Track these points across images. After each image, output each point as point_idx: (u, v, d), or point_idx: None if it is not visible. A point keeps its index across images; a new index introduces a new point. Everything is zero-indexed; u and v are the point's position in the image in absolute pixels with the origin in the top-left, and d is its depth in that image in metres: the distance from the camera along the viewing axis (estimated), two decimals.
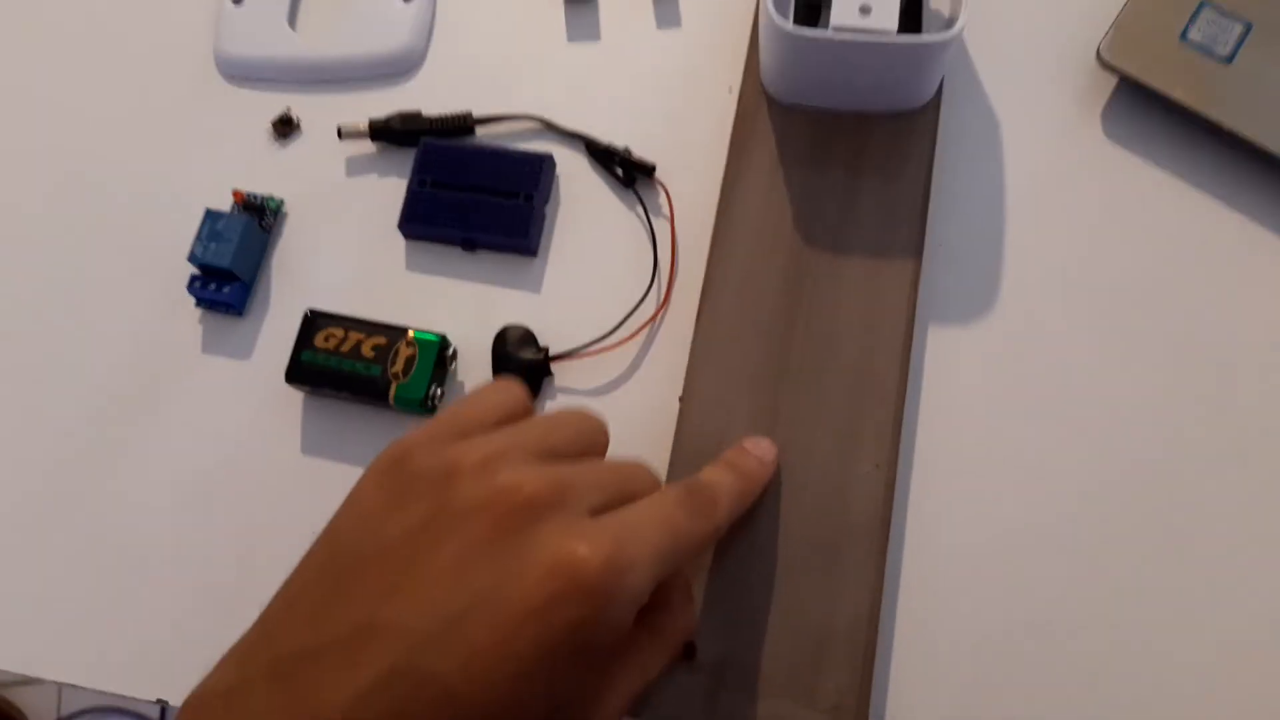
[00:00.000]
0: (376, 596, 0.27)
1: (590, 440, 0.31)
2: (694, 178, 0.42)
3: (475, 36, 0.46)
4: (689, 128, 0.43)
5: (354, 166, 0.45)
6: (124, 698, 0.39)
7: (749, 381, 0.38)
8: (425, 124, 0.44)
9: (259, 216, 0.43)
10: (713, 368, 0.39)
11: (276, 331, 0.43)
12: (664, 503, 0.30)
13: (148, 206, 0.45)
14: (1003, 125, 0.42)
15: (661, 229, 0.42)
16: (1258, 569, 0.36)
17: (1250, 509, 0.37)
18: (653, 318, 0.41)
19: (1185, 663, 0.35)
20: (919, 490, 0.38)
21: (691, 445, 0.38)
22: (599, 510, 0.28)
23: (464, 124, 0.44)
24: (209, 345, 0.43)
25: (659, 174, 0.42)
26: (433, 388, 0.39)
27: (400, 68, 0.46)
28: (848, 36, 0.37)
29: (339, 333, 0.40)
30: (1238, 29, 0.41)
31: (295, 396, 0.41)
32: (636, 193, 0.43)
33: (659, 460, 0.38)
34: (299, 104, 0.46)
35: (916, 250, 0.39)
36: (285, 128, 0.45)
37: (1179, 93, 0.40)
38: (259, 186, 0.44)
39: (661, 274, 0.41)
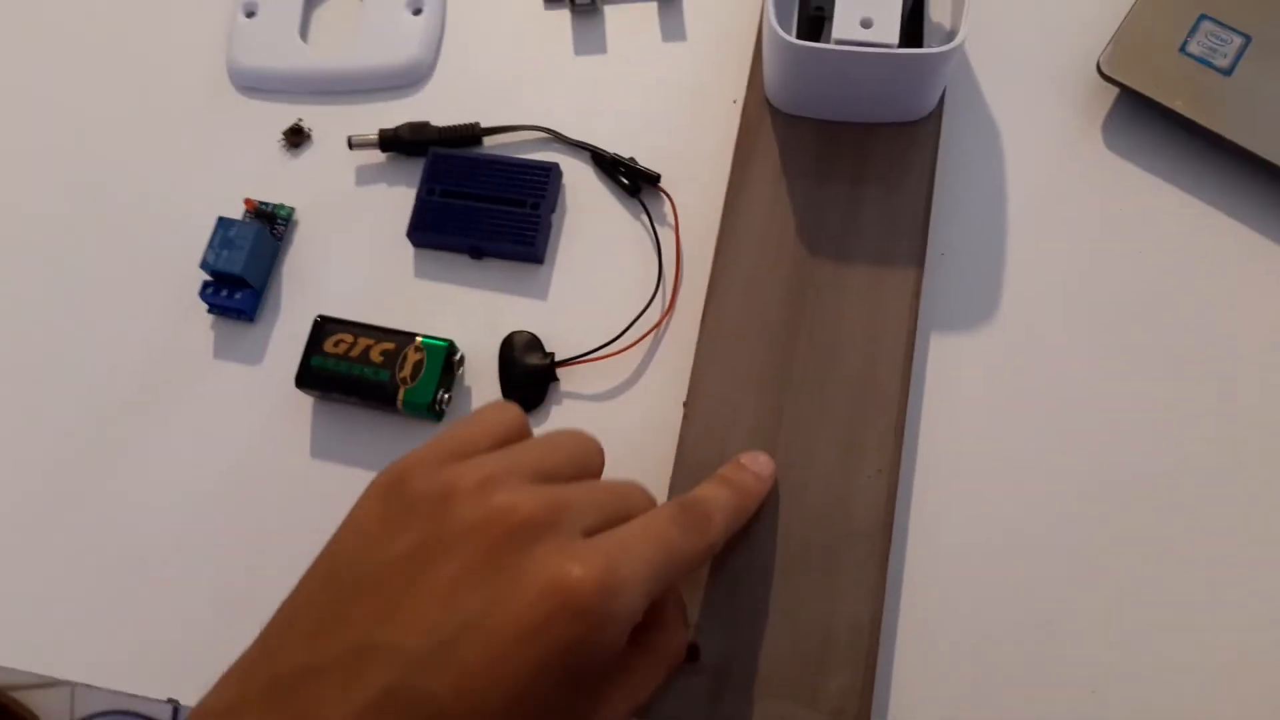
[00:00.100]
0: (373, 617, 0.27)
1: (586, 462, 0.32)
2: (699, 187, 0.43)
3: (483, 49, 0.47)
4: (694, 138, 0.44)
5: (364, 176, 0.45)
6: (137, 698, 0.39)
7: (752, 388, 0.39)
8: (434, 134, 0.44)
9: (270, 224, 0.44)
10: (716, 374, 0.39)
11: (287, 337, 0.43)
12: (657, 521, 0.30)
13: (161, 214, 0.46)
14: (1004, 136, 0.43)
15: (666, 237, 0.43)
16: (1256, 576, 0.36)
17: (1248, 513, 0.37)
18: (657, 325, 0.41)
19: (1185, 667, 0.36)
20: (921, 496, 0.38)
21: (695, 450, 0.38)
22: (594, 531, 0.28)
23: (472, 134, 0.44)
24: (220, 351, 0.43)
25: (664, 183, 0.43)
26: (440, 393, 0.40)
27: (410, 79, 0.47)
28: (849, 49, 0.38)
29: (348, 338, 0.41)
30: (1237, 41, 0.41)
31: (305, 401, 0.42)
32: (642, 202, 0.43)
33: (663, 465, 0.38)
34: (310, 114, 0.47)
35: (918, 260, 0.40)
36: (296, 138, 0.46)
37: (1179, 104, 0.41)
38: (270, 195, 0.45)
39: (666, 282, 0.42)
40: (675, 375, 0.40)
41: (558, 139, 0.45)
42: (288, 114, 0.47)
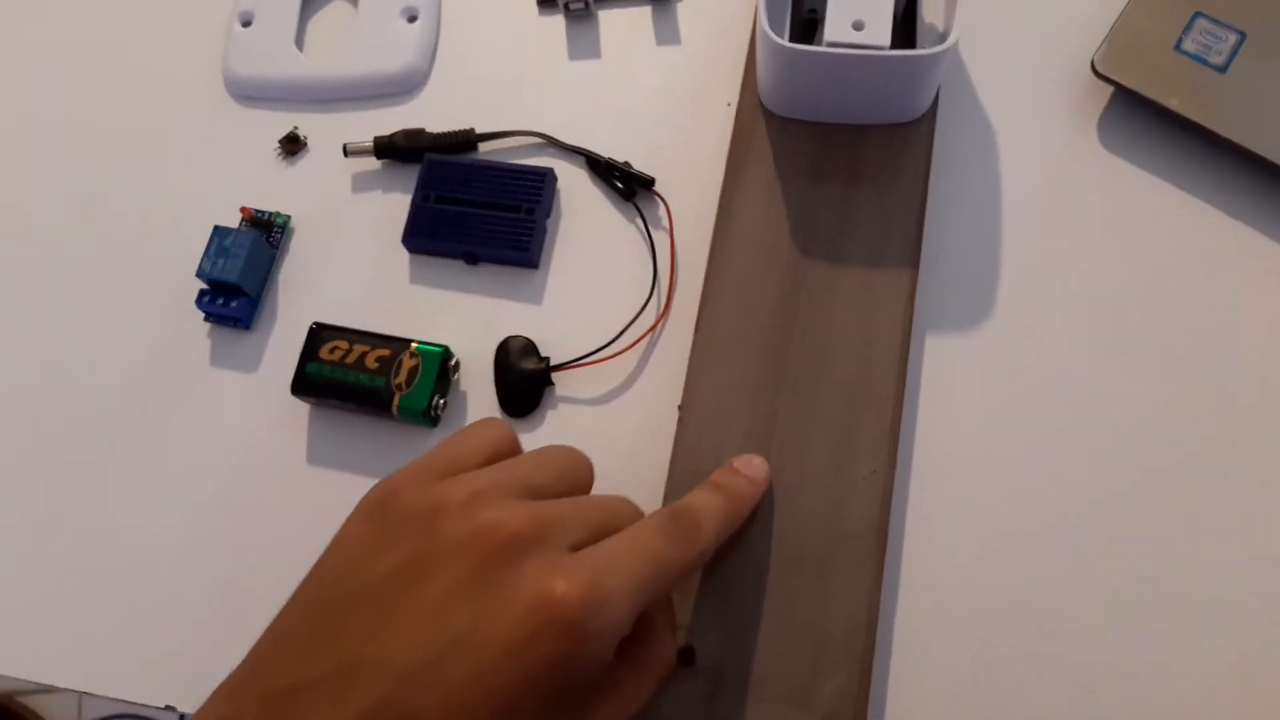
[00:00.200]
0: (362, 634, 0.27)
1: (574, 477, 0.32)
2: (693, 191, 0.43)
3: (478, 55, 0.47)
4: (688, 142, 0.44)
5: (359, 183, 0.46)
6: (133, 704, 0.39)
7: (747, 391, 0.39)
8: (429, 141, 0.44)
9: (266, 232, 0.44)
10: (711, 377, 0.39)
11: (283, 344, 0.43)
12: (644, 532, 0.30)
13: (158, 223, 0.46)
14: (998, 136, 0.43)
15: (661, 241, 0.43)
16: (1255, 577, 0.36)
17: (1245, 512, 0.37)
18: (652, 328, 0.41)
19: (1183, 668, 0.35)
20: (917, 498, 0.38)
21: (690, 454, 0.38)
22: (581, 545, 0.29)
23: (467, 140, 0.44)
24: (217, 358, 0.44)
25: (658, 187, 0.43)
26: (435, 398, 0.40)
27: (405, 86, 0.47)
28: (841, 52, 0.38)
29: (344, 345, 0.41)
30: (1232, 39, 0.41)
31: (301, 408, 0.42)
32: (636, 206, 0.43)
33: (658, 468, 0.38)
34: (306, 123, 0.47)
35: (913, 261, 0.40)
36: (292, 146, 0.46)
37: (1174, 102, 0.40)
38: (267, 203, 0.45)
39: (661, 285, 0.42)
40: (670, 379, 0.40)
41: (552, 144, 0.45)
42: (284, 122, 0.47)
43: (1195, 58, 0.41)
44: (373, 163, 0.45)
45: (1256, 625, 0.36)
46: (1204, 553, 0.37)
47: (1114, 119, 0.43)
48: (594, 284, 0.43)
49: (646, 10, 0.47)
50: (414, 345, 0.40)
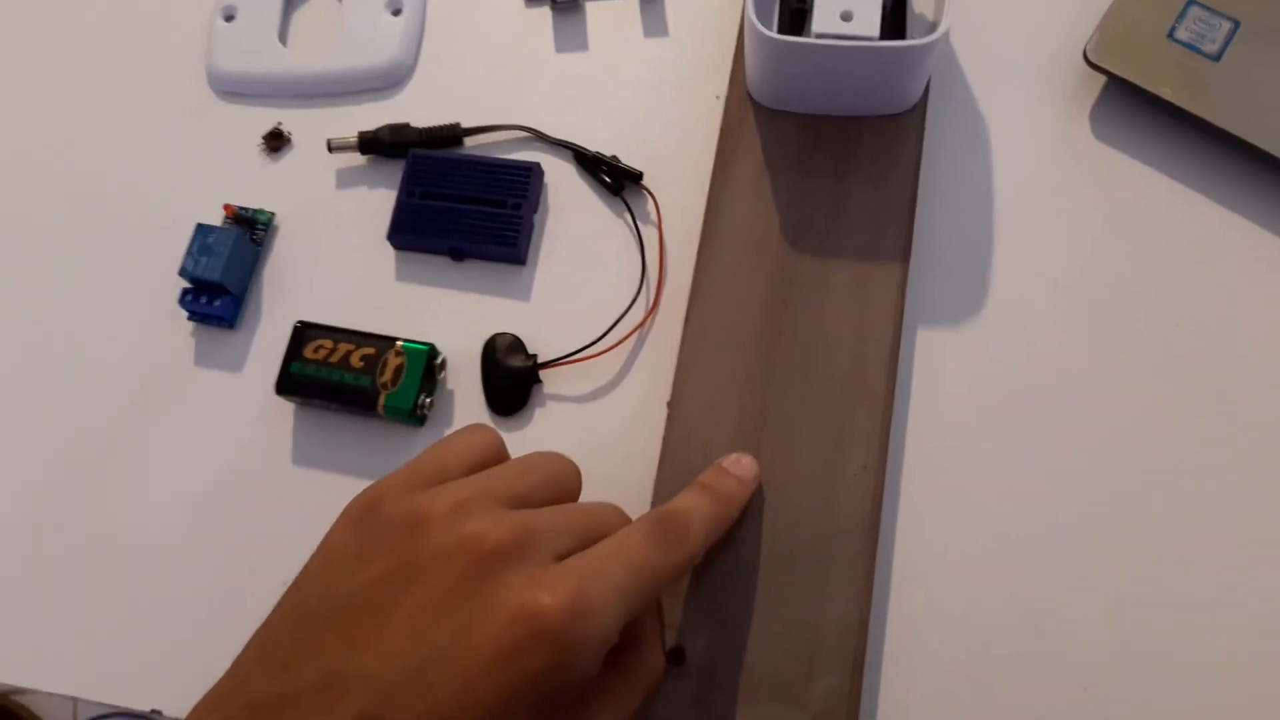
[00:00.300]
0: (344, 646, 0.27)
1: (561, 485, 0.32)
2: (681, 184, 0.42)
3: (464, 49, 0.47)
4: (676, 135, 0.43)
5: (344, 179, 0.45)
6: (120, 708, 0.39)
7: (737, 386, 0.38)
8: (414, 135, 0.44)
9: (250, 230, 0.44)
10: (700, 373, 0.39)
11: (268, 343, 0.43)
12: (631, 539, 0.30)
13: (140, 221, 0.46)
14: (990, 127, 0.42)
15: (649, 236, 0.42)
16: (1251, 576, 0.36)
17: (1240, 509, 0.37)
18: (641, 324, 0.41)
19: (1179, 666, 0.35)
20: (909, 495, 0.38)
21: (680, 450, 0.38)
22: (566, 555, 0.28)
23: (452, 135, 0.44)
24: (201, 358, 0.43)
25: (646, 181, 0.43)
26: (422, 397, 0.39)
27: (390, 80, 0.46)
28: (829, 43, 0.37)
29: (328, 344, 0.40)
30: (1226, 27, 0.41)
31: (286, 408, 0.42)
32: (624, 200, 0.43)
33: (647, 465, 0.38)
34: (290, 118, 0.46)
35: (904, 254, 0.39)
36: (276, 142, 0.46)
37: (1167, 91, 0.40)
38: (250, 200, 0.45)
39: (649, 280, 0.42)
40: (659, 375, 0.40)
41: (539, 138, 0.44)
42: (267, 118, 0.46)
43: (1188, 46, 0.40)
44: (357, 158, 0.45)
45: (1252, 623, 0.35)
46: (1198, 549, 0.36)
47: (1107, 109, 0.42)
48: (582, 280, 0.42)
49: (634, 2, 0.46)
50: (399, 343, 0.40)
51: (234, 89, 0.47)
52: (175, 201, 0.45)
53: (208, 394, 0.43)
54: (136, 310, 0.44)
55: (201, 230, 0.43)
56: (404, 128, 0.44)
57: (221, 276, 0.42)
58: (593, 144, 0.43)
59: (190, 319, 0.43)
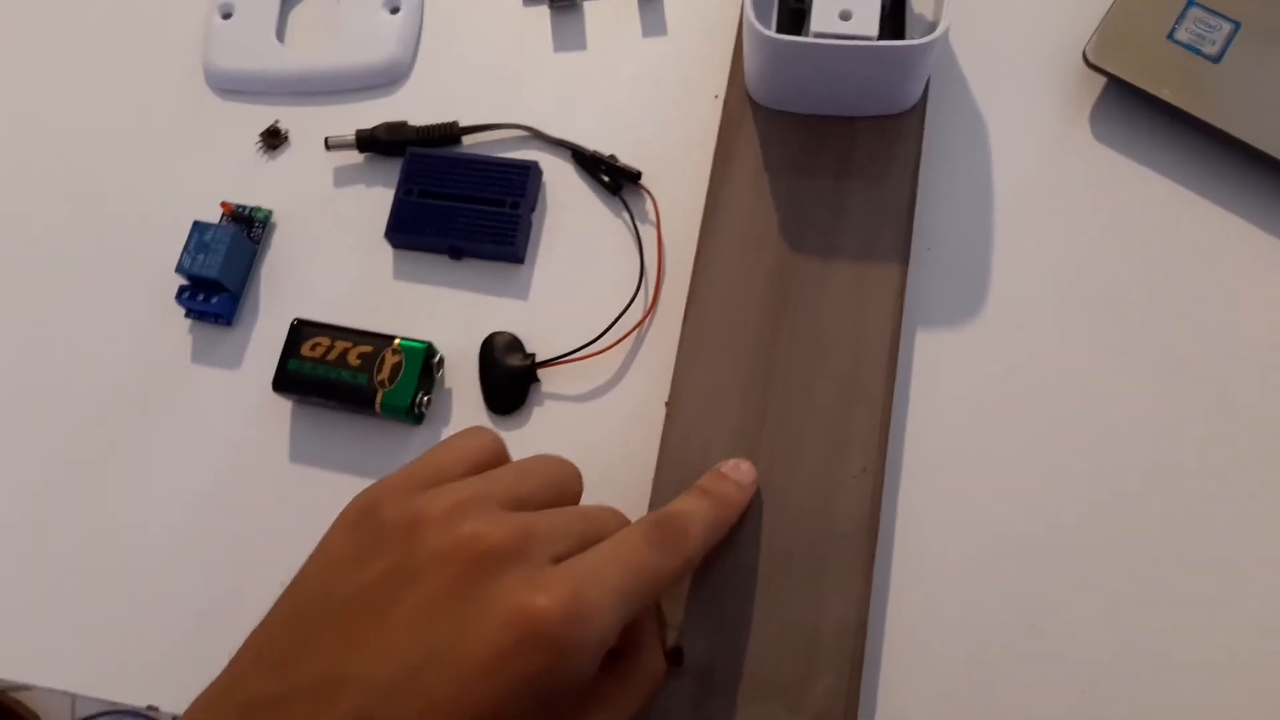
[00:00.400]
0: (341, 647, 0.27)
1: (561, 487, 0.31)
2: (680, 184, 0.42)
3: (462, 47, 0.47)
4: (675, 134, 0.43)
5: (341, 177, 0.45)
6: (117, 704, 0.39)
7: (736, 386, 0.38)
8: (411, 134, 0.44)
9: (247, 227, 0.44)
10: (699, 373, 0.38)
11: (265, 341, 0.43)
12: (629, 541, 0.30)
13: (137, 219, 0.46)
14: (990, 127, 0.42)
15: (648, 235, 0.42)
16: (1250, 576, 0.36)
17: (1238, 509, 0.37)
18: (639, 323, 0.41)
19: (1177, 667, 0.35)
20: (908, 496, 0.38)
21: (678, 450, 0.38)
22: (564, 557, 0.28)
23: (450, 133, 0.44)
24: (198, 355, 0.43)
25: (645, 180, 0.42)
26: (419, 395, 0.39)
27: (388, 78, 0.46)
28: (828, 42, 0.37)
29: (325, 341, 0.40)
30: (1226, 28, 0.40)
31: (283, 405, 0.42)
32: (623, 199, 0.43)
33: (646, 465, 0.38)
34: (287, 116, 0.46)
35: (903, 254, 0.39)
36: (273, 139, 0.46)
37: (1167, 93, 0.40)
38: (248, 198, 0.44)
39: (648, 279, 0.41)
40: (658, 375, 0.40)
41: (537, 137, 0.44)
42: (265, 115, 0.46)
43: (1188, 47, 0.40)
44: (355, 156, 0.45)
45: (1252, 623, 0.35)
46: (1198, 549, 0.36)
47: (1106, 110, 0.42)
48: (580, 279, 0.42)
49: (633, 1, 0.46)
50: (397, 341, 0.40)
51: (231, 87, 0.47)
52: (173, 199, 0.45)
53: (205, 391, 0.42)
54: (134, 308, 0.44)
55: (199, 227, 0.42)
56: (402, 126, 0.44)
57: (219, 274, 0.42)
58: (591, 143, 0.43)
59: (188, 316, 0.43)
